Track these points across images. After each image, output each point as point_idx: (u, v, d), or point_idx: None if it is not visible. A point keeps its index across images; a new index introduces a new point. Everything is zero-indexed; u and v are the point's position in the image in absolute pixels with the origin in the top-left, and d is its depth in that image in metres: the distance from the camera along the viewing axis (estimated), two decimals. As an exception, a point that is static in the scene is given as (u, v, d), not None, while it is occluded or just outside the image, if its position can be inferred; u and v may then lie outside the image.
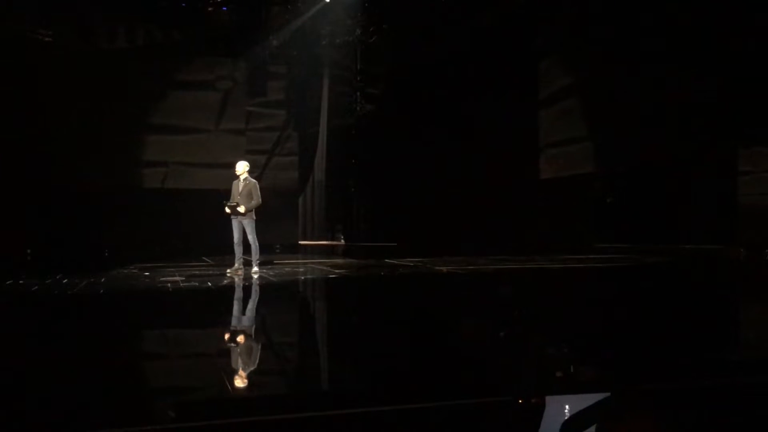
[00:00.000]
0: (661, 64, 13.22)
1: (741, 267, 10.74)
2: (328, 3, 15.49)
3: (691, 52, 12.59)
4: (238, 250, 9.17)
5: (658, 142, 13.45)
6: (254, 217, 9.09)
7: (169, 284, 7.92)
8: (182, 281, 8.22)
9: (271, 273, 9.39)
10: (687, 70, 12.62)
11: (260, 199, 9.06)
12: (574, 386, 2.85)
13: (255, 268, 9.14)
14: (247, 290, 7.81)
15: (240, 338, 4.99)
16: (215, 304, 6.81)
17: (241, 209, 8.86)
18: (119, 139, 15.39)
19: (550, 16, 16.17)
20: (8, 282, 8.23)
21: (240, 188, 9.03)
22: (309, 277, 9.58)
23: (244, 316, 6.13)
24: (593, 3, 14.84)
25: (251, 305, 6.87)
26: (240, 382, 3.55)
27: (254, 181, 9.20)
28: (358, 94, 17.67)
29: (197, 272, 9.52)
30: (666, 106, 13.20)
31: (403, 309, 6.41)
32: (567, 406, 2.84)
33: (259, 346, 4.75)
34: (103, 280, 8.45)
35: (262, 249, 9.41)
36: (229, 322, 5.70)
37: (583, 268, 10.52)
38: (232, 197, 9.03)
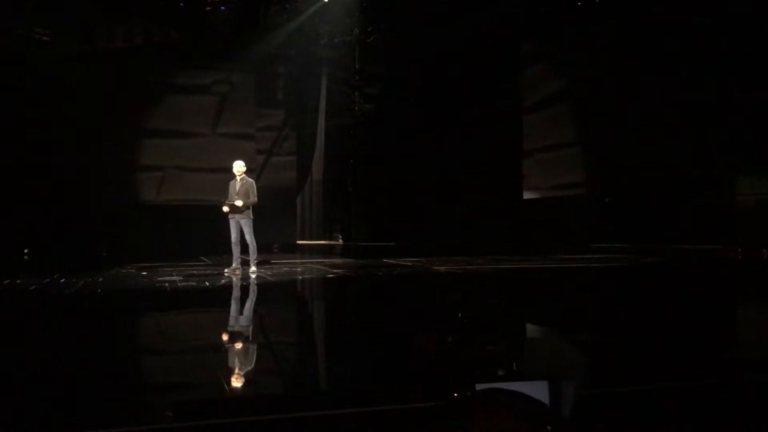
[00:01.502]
0: (659, 67, 13.23)
1: (740, 267, 10.74)
2: (326, 3, 15.46)
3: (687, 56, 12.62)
4: (235, 249, 9.16)
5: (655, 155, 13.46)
6: (252, 217, 9.10)
7: (166, 284, 7.90)
8: (180, 281, 8.19)
9: (268, 273, 9.37)
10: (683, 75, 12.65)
11: (257, 198, 9.07)
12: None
13: (253, 268, 9.12)
14: (244, 290, 7.78)
15: (238, 338, 4.97)
16: (213, 303, 6.79)
17: (239, 203, 8.86)
18: (118, 140, 15.33)
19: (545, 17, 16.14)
20: (6, 281, 8.20)
21: (237, 188, 9.03)
22: (307, 276, 9.55)
23: (241, 315, 6.11)
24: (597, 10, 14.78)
25: (249, 305, 6.85)
26: (238, 381, 3.54)
27: (251, 180, 9.23)
28: (357, 93, 17.67)
29: (195, 272, 9.50)
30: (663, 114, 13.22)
31: (402, 308, 6.39)
32: None
33: (258, 346, 4.74)
34: (100, 279, 8.43)
35: (260, 249, 9.40)
36: (227, 322, 5.68)
37: (580, 268, 10.51)
38: (229, 196, 9.03)
